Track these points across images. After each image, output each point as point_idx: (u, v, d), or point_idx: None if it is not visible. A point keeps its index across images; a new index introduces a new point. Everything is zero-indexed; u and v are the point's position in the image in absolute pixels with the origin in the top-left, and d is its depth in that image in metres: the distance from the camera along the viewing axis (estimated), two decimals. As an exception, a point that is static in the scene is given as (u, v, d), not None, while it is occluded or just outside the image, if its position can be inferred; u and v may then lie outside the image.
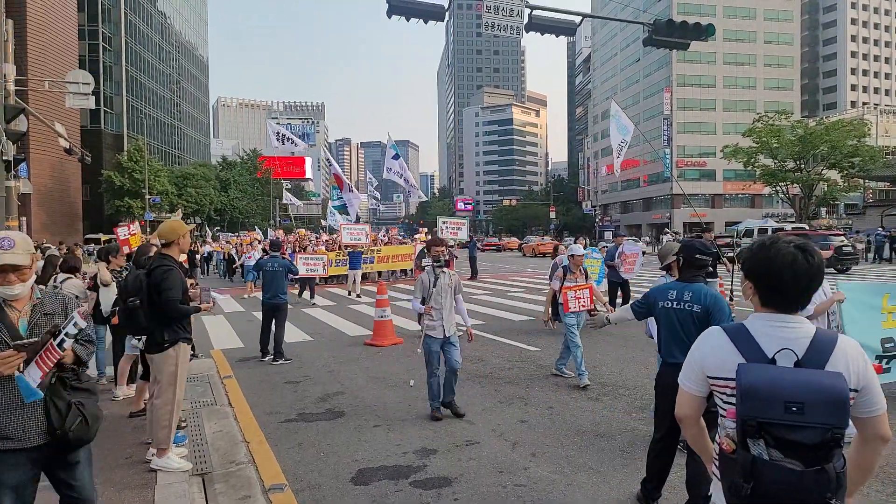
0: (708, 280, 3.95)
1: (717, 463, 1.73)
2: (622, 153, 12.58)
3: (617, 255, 11.21)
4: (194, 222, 54.88)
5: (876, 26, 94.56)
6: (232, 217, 67.73)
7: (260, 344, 8.36)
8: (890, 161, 45.79)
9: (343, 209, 26.83)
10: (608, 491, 3.87)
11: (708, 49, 69.59)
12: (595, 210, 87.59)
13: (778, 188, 42.72)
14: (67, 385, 2.52)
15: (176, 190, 56.72)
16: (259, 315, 8.70)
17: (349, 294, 16.46)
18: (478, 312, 12.60)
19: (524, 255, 43.68)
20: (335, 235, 24.69)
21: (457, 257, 15.90)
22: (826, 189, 41.33)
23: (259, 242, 22.04)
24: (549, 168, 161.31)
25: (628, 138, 12.70)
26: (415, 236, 26.35)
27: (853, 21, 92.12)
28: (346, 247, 17.98)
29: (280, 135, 24.28)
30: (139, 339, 5.28)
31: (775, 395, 1.51)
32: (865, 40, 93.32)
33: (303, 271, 13.85)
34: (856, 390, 1.60)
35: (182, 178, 59.34)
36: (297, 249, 19.11)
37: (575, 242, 10.03)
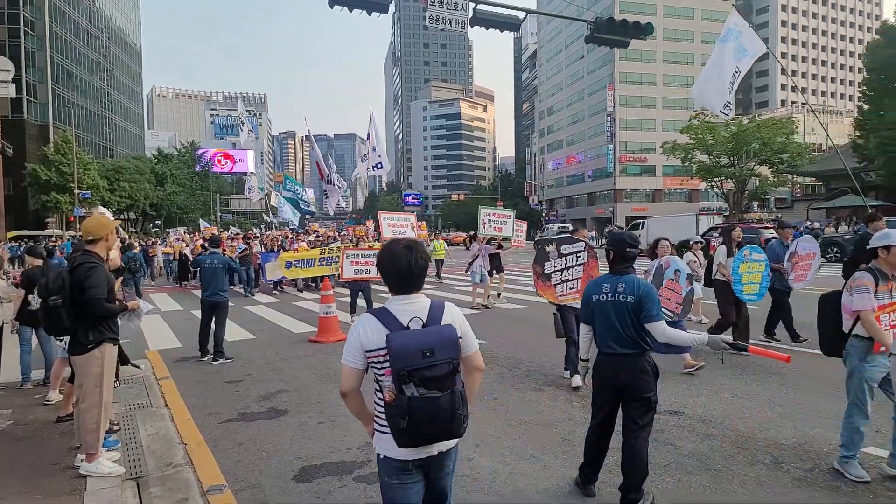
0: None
1: (379, 420, 2.25)
2: (734, 86, 9.52)
3: (787, 256, 7.97)
4: (124, 217, 52.50)
5: (804, 29, 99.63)
6: (169, 213, 65.16)
7: (199, 343, 8.10)
8: (815, 157, 48.58)
9: (295, 203, 25.75)
10: (548, 477, 3.96)
11: (648, 48, 71.60)
12: (542, 205, 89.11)
13: (713, 183, 44.55)
14: None
15: (108, 184, 54.09)
16: (198, 313, 8.42)
17: None
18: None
19: (467, 248, 45.13)
20: (325, 229, 23.28)
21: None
22: (758, 184, 43.40)
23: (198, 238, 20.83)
24: (497, 163, 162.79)
25: (743, 66, 9.50)
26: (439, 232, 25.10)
27: (783, 23, 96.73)
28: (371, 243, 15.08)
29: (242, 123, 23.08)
30: (62, 341, 5.04)
31: (414, 348, 2.08)
32: (795, 42, 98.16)
33: (349, 274, 10.43)
34: (460, 337, 2.24)
35: (114, 171, 56.63)
36: (276, 248, 17.83)
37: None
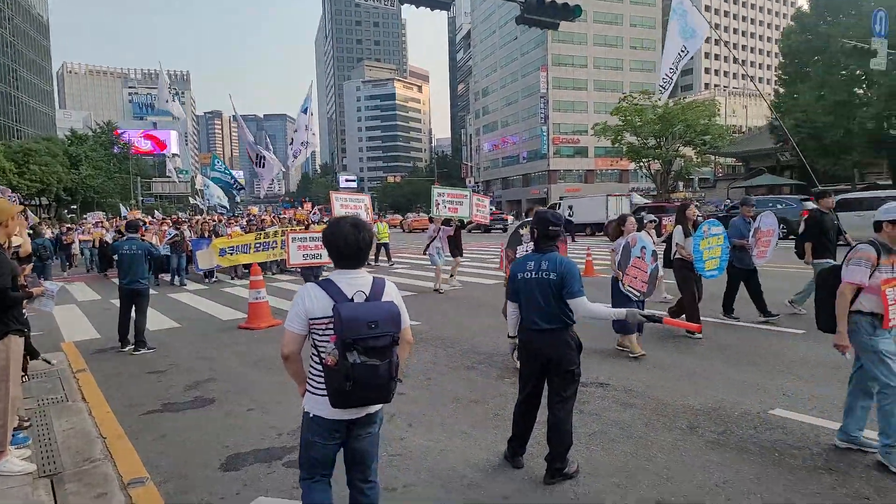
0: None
1: (314, 382, 2.47)
2: (680, 65, 9.54)
3: (752, 232, 7.88)
4: (35, 203, 48.96)
5: (726, 14, 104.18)
6: (85, 197, 61.15)
7: (119, 333, 7.69)
8: (736, 139, 51.26)
9: (227, 185, 24.54)
10: (479, 452, 4.03)
11: (580, 30, 73.11)
12: (478, 186, 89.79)
13: (641, 164, 46.23)
14: None
15: (15, 167, 50.15)
16: (117, 303, 7.99)
17: None
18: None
19: (403, 230, 45.30)
20: (263, 213, 21.92)
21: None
22: (683, 164, 45.38)
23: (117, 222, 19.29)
24: (433, 144, 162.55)
25: (692, 46, 9.61)
26: (408, 215, 23.79)
27: (707, 8, 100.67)
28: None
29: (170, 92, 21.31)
30: None
31: (360, 320, 2.29)
32: (717, 27, 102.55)
33: (298, 259, 9.68)
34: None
35: (22, 153, 52.51)
36: (207, 234, 16.43)
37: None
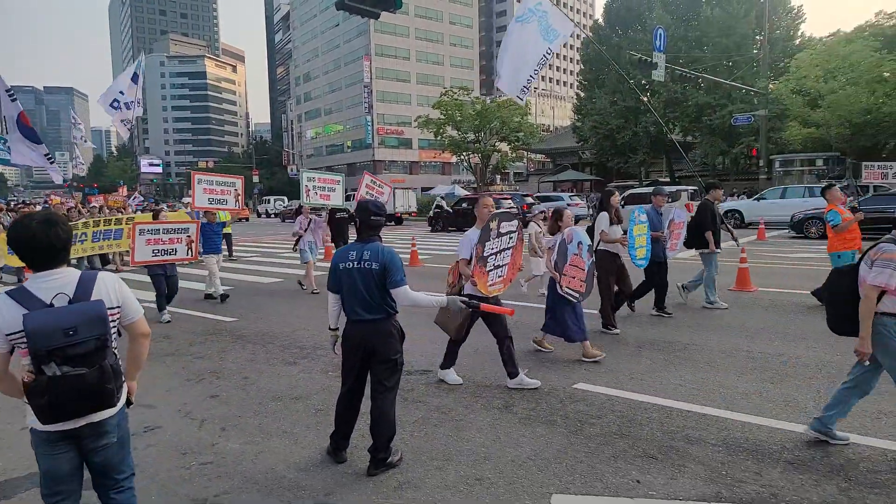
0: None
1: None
2: (542, 68, 9.14)
3: (667, 223, 7.78)
4: None
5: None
6: None
7: None
8: (544, 137, 56.04)
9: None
10: (300, 451, 3.86)
11: (402, 23, 74.06)
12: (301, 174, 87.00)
13: (462, 157, 48.39)
14: None
15: None
16: None
17: (209, 296, 9.80)
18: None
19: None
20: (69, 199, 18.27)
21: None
22: (499, 159, 48.38)
23: None
24: (252, 129, 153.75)
25: (555, 47, 9.17)
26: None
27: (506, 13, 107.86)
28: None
29: None
30: None
31: (54, 328, 2.05)
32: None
33: (145, 256, 7.82)
34: (118, 306, 2.32)
35: None
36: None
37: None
